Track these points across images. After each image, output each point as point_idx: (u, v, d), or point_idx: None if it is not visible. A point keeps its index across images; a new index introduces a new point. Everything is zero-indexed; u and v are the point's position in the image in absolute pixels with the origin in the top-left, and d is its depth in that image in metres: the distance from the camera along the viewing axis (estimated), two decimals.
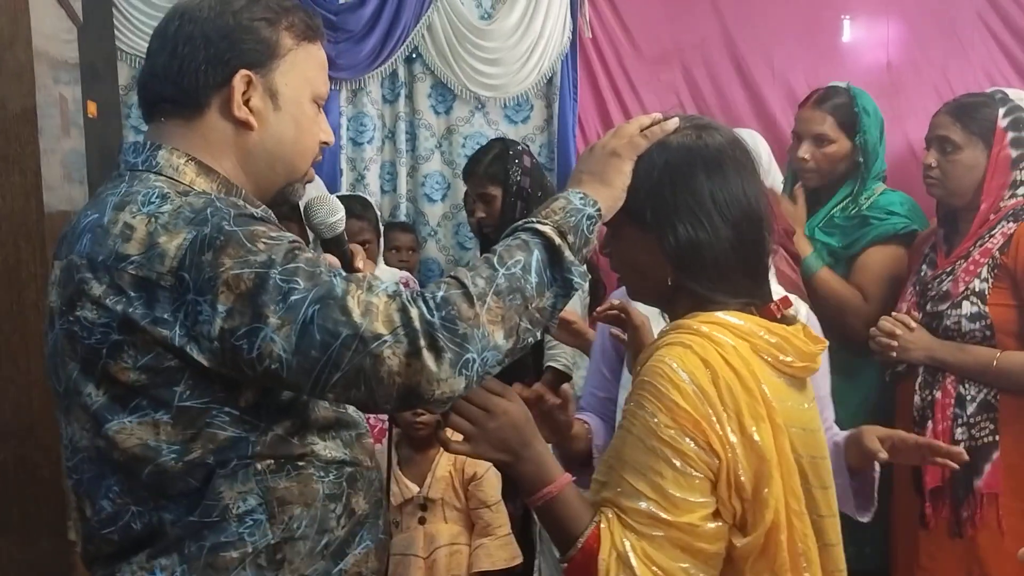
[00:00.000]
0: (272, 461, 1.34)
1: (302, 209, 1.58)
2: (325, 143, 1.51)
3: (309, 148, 1.48)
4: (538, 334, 1.31)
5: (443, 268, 4.21)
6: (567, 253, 1.31)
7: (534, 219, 1.35)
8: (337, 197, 3.56)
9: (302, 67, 1.44)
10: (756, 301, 1.43)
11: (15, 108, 1.88)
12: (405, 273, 3.47)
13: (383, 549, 1.52)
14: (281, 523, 1.35)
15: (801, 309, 1.92)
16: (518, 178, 3.06)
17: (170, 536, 1.33)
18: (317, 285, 1.23)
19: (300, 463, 1.37)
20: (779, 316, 1.43)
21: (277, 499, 1.35)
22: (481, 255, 1.33)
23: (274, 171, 1.45)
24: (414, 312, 1.22)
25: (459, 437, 1.40)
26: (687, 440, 1.29)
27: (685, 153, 1.40)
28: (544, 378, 3.00)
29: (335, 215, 1.54)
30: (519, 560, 2.78)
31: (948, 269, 2.67)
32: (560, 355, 2.98)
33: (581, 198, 1.36)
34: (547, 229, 1.32)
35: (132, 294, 1.25)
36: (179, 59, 1.38)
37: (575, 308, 2.93)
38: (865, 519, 1.91)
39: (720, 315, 1.38)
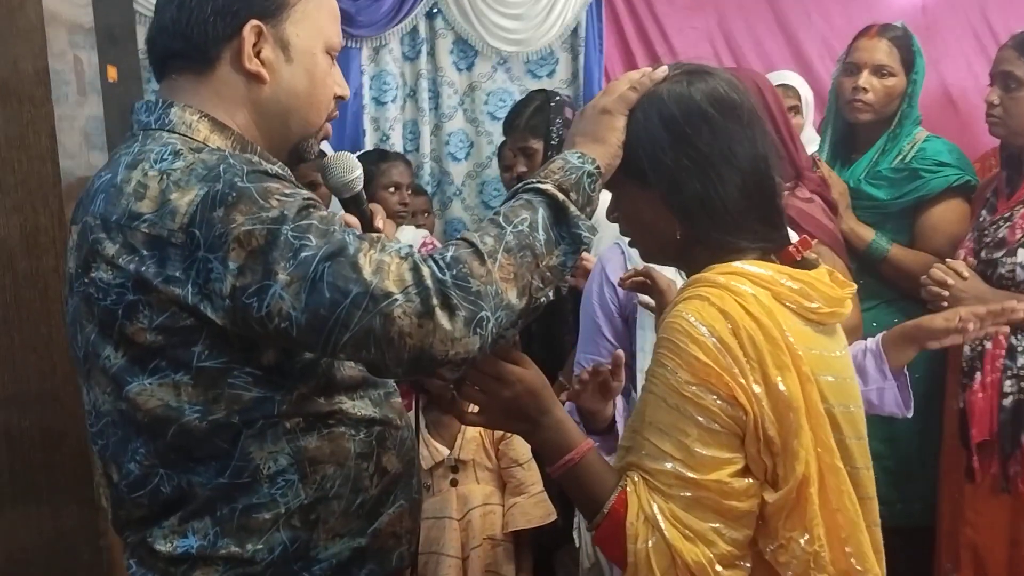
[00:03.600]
0: (301, 420, 1.32)
1: (318, 168, 1.54)
2: (340, 97, 1.47)
3: (323, 101, 1.45)
4: (550, 293, 1.27)
5: (469, 228, 4.14)
6: (572, 208, 1.27)
7: (533, 180, 1.31)
8: (375, 152, 3.60)
9: (314, 16, 1.40)
10: (774, 246, 1.38)
11: (27, 69, 1.86)
12: (426, 233, 3.43)
13: (417, 509, 1.50)
14: (313, 483, 1.34)
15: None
16: (559, 131, 2.99)
17: (200, 498, 1.31)
18: (329, 242, 1.20)
19: (330, 421, 1.36)
20: (799, 259, 1.37)
21: (308, 459, 1.33)
22: (488, 217, 1.29)
23: (287, 126, 1.42)
24: (425, 271, 1.19)
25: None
26: (710, 395, 1.25)
27: (677, 102, 1.34)
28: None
29: (352, 173, 1.50)
30: (554, 517, 2.76)
31: (1006, 215, 2.56)
32: None
33: (579, 157, 1.32)
34: (548, 187, 1.28)
35: (145, 253, 1.23)
36: (187, 12, 1.35)
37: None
38: (909, 415, 1.99)
39: (738, 264, 1.33)
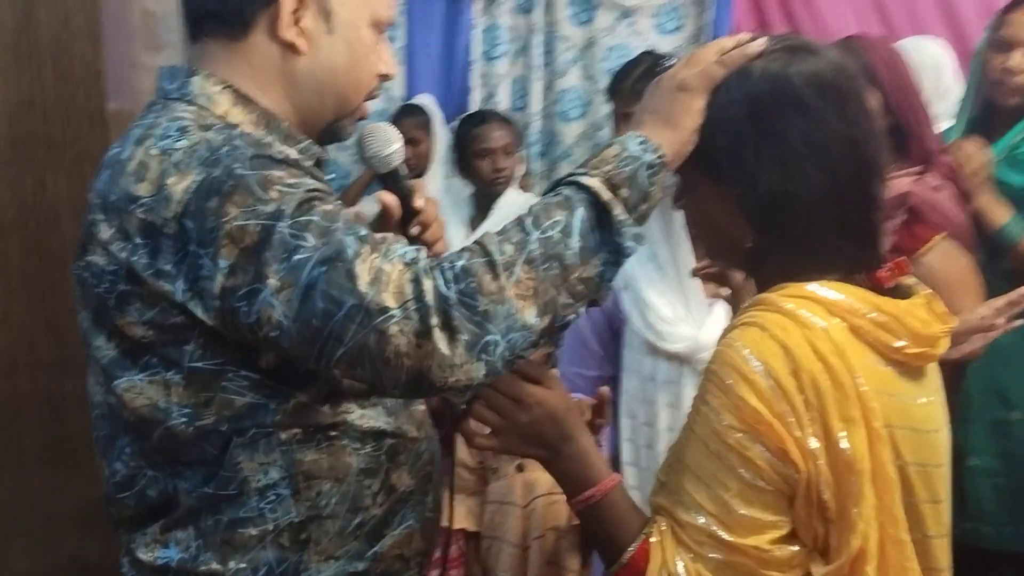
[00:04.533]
0: (299, 431, 1.20)
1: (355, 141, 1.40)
2: (385, 76, 1.32)
3: (363, 80, 1.30)
4: (582, 309, 1.10)
5: None
6: (617, 211, 1.09)
7: (580, 170, 1.13)
8: (470, 116, 3.46)
9: None
10: (861, 267, 1.17)
11: (78, 23, 1.77)
12: (532, 196, 3.28)
13: (431, 528, 1.37)
14: (307, 499, 1.22)
15: None
16: None
17: (184, 507, 1.22)
18: (328, 243, 1.06)
19: (332, 433, 1.23)
20: (891, 286, 1.16)
21: (303, 472, 1.21)
22: (517, 216, 1.12)
23: (323, 103, 1.29)
24: (427, 284, 1.03)
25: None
26: (757, 446, 1.06)
27: (771, 84, 1.13)
28: None
29: (390, 146, 1.35)
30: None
31: None
32: None
33: (640, 143, 1.13)
34: (594, 182, 1.10)
35: (138, 241, 1.13)
36: None
37: None
38: None
39: (813, 288, 1.13)
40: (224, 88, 1.23)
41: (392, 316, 1.02)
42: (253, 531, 1.20)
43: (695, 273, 1.65)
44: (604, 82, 3.87)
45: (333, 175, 3.24)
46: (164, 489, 1.22)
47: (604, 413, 1.42)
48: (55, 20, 1.77)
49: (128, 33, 1.92)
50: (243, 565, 1.20)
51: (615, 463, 2.15)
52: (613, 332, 2.02)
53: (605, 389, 1.43)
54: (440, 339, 1.02)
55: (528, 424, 1.17)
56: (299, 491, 1.21)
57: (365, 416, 1.25)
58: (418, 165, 3.61)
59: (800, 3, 3.78)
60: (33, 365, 1.83)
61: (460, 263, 1.06)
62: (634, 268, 1.99)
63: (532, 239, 1.07)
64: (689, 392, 2.04)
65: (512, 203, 3.26)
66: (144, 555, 1.23)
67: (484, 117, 3.40)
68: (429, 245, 1.39)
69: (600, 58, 3.90)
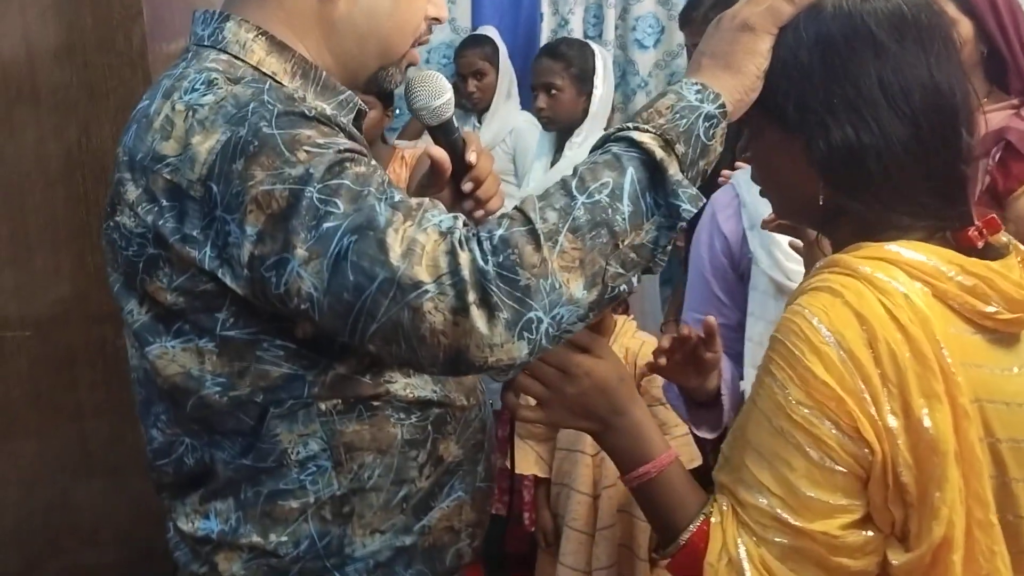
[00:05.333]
0: (339, 401, 1.14)
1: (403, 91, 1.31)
2: (436, 20, 1.23)
3: (410, 23, 1.21)
4: (635, 279, 1.01)
5: None
6: (672, 171, 0.99)
7: (631, 124, 1.02)
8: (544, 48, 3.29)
9: None
10: (947, 225, 1.05)
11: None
12: None
13: (483, 498, 1.29)
14: (349, 471, 1.16)
15: None
16: None
17: (223, 478, 1.17)
18: (358, 210, 0.98)
19: (374, 403, 1.16)
20: (980, 245, 1.04)
21: (344, 444, 1.15)
22: (561, 178, 1.02)
23: (364, 51, 1.20)
24: (464, 257, 0.95)
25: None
26: (827, 423, 0.96)
27: (845, 23, 1.01)
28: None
29: (440, 97, 1.26)
30: (698, 462, 2.50)
31: None
32: None
33: (697, 91, 1.02)
34: (646, 138, 1.00)
35: (164, 203, 1.06)
36: None
37: None
38: None
39: (892, 247, 1.01)
40: (258, 35, 1.15)
41: (426, 291, 0.94)
42: (294, 504, 1.15)
43: (764, 226, 1.53)
44: (679, 7, 3.73)
45: (398, 112, 3.13)
46: (201, 458, 1.17)
47: (713, 346, 1.33)
48: None
49: None
50: (284, 538, 1.15)
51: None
52: (739, 275, 1.91)
53: (710, 318, 1.35)
54: (478, 317, 0.94)
55: (576, 396, 1.09)
56: (341, 463, 1.15)
57: (410, 385, 1.18)
58: (482, 100, 3.48)
59: None
60: (86, 317, 1.81)
61: (499, 233, 0.97)
62: (759, 207, 1.87)
63: (577, 204, 0.97)
64: None
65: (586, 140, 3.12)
66: (185, 525, 1.20)
67: (542, 51, 3.25)
68: (483, 202, 1.31)
69: None
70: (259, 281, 1.02)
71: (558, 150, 3.20)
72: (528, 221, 0.97)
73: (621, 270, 0.99)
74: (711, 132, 1.01)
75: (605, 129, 3.23)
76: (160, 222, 1.07)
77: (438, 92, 1.26)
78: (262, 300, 1.05)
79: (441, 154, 1.27)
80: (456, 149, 1.29)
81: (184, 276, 1.08)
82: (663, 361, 1.43)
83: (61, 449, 1.91)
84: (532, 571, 2.74)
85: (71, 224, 1.77)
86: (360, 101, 1.23)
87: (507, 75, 3.51)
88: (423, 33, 1.24)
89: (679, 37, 3.72)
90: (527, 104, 3.45)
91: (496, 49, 3.50)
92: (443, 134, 1.29)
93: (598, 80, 3.12)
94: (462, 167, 1.28)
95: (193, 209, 1.04)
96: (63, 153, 1.76)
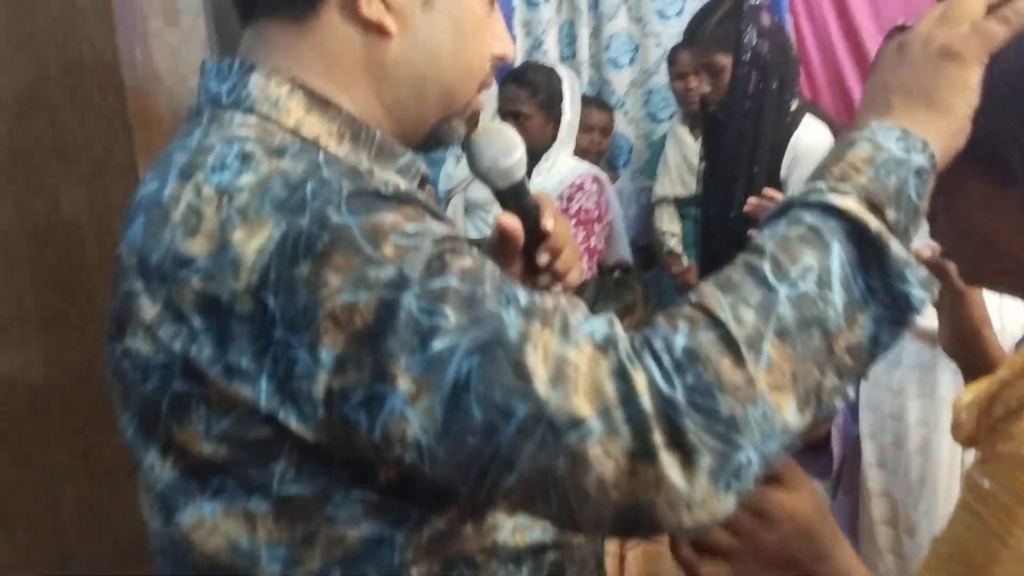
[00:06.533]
0: (435, 565, 0.88)
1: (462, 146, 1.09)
2: (501, 58, 1.00)
3: (476, 66, 0.97)
4: (850, 391, 0.78)
5: (632, 145, 3.71)
6: (894, 246, 0.76)
7: (821, 183, 0.79)
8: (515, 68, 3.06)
9: None
10: None
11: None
12: (588, 168, 2.90)
13: None
14: None
15: None
16: (754, 42, 2.42)
17: None
18: (477, 321, 0.74)
19: (477, 559, 0.91)
20: None
21: None
22: (737, 256, 0.79)
23: (423, 101, 0.96)
24: (639, 379, 0.71)
25: None
26: None
27: None
28: None
29: (511, 154, 1.03)
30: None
31: None
32: None
33: (899, 138, 0.79)
34: (850, 203, 0.77)
35: (196, 323, 0.80)
36: None
37: None
38: None
39: None
40: (294, 88, 0.90)
41: (590, 430, 0.70)
42: None
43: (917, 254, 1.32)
44: (653, 24, 3.63)
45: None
46: None
47: None
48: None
49: (140, 5, 1.58)
50: None
51: (853, 465, 1.86)
52: None
53: None
54: (669, 464, 0.70)
55: (774, 544, 0.86)
56: None
57: (519, 528, 0.93)
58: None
59: None
60: (63, 421, 1.53)
61: (680, 341, 0.72)
62: None
63: (779, 298, 0.74)
64: (946, 380, 1.74)
65: (562, 175, 2.90)
66: None
67: (507, 77, 3.01)
68: (561, 275, 1.08)
69: None
70: (341, 423, 0.77)
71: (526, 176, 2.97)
72: (717, 323, 0.73)
73: (837, 381, 0.75)
74: (921, 190, 0.79)
75: (574, 153, 3.10)
76: (192, 348, 0.80)
77: (508, 148, 1.04)
78: (343, 447, 0.79)
79: (513, 223, 1.03)
80: (529, 215, 1.06)
81: (228, 419, 0.81)
82: None
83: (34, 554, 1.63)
84: None
85: (42, 312, 1.49)
86: (423, 165, 0.99)
87: (572, 115, 3.01)
88: (487, 76, 1.01)
89: (655, 55, 3.63)
90: None
91: (543, 87, 2.96)
92: (514, 198, 1.06)
93: (566, 105, 2.95)
94: (536, 236, 1.05)
95: (240, 329, 0.78)
96: (28, 227, 1.48)
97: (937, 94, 0.81)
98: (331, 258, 0.76)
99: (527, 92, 2.88)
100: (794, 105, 2.47)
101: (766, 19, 2.47)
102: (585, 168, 2.89)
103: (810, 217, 0.78)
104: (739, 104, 2.45)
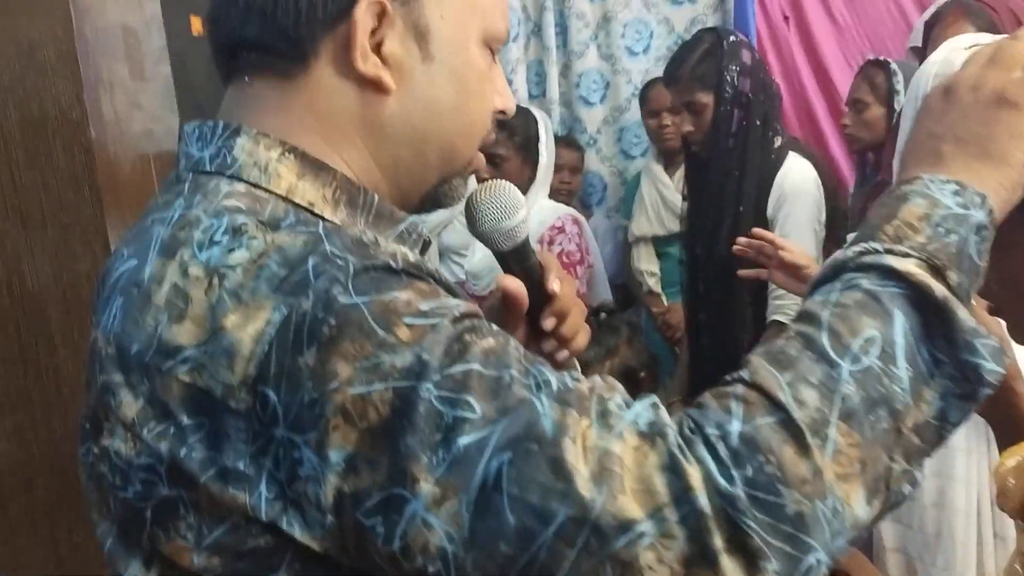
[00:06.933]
0: None
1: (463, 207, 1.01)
2: (502, 113, 0.92)
3: (478, 122, 0.90)
4: (919, 475, 0.70)
5: (605, 183, 3.70)
6: (962, 314, 0.69)
7: (875, 244, 0.72)
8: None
9: None
10: None
11: (47, 55, 1.34)
12: (566, 210, 2.83)
13: None
14: None
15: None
16: (736, 80, 2.38)
17: None
18: (507, 411, 0.66)
19: None
20: None
21: None
22: (788, 327, 0.71)
23: (423, 160, 0.88)
24: (694, 473, 0.63)
25: None
26: None
27: None
28: (767, 335, 2.39)
29: (514, 215, 0.96)
30: None
31: None
32: (788, 306, 2.34)
33: (955, 192, 0.72)
34: (911, 267, 0.69)
35: (185, 421, 0.71)
36: None
37: (809, 246, 2.29)
38: None
39: None
40: (285, 152, 0.82)
41: (641, 534, 0.62)
42: None
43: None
44: (624, 61, 3.64)
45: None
46: None
47: None
48: (16, 54, 1.33)
49: (108, 58, 1.48)
50: None
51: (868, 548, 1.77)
52: None
53: None
54: (732, 570, 0.62)
55: None
56: None
57: None
58: None
59: None
60: (29, 503, 1.41)
61: (736, 427, 0.65)
62: None
63: (843, 376, 0.66)
64: (960, 429, 1.66)
65: (541, 216, 2.81)
66: None
67: None
68: (567, 340, 1.01)
69: (618, 35, 3.64)
70: (353, 532, 0.68)
71: None
72: (777, 405, 0.65)
73: (905, 464, 0.68)
74: (982, 249, 0.73)
75: (549, 196, 3.01)
76: (181, 450, 0.71)
77: (511, 208, 0.96)
78: (355, 557, 0.70)
79: (517, 286, 0.96)
80: (533, 277, 0.99)
81: (222, 528, 0.72)
82: None
83: None
84: None
85: (5, 388, 1.38)
86: (424, 230, 0.91)
87: (548, 157, 2.91)
88: (490, 132, 0.94)
89: (625, 92, 3.64)
90: None
91: (520, 130, 2.84)
92: (517, 260, 0.99)
93: (542, 147, 2.87)
94: (541, 299, 0.98)
95: (236, 428, 0.69)
96: None
97: (992, 143, 0.75)
98: (339, 344, 0.67)
99: (505, 135, 2.79)
100: (778, 142, 2.42)
101: (747, 56, 2.43)
102: (564, 210, 2.82)
103: (867, 282, 0.70)
104: (723, 142, 2.40)
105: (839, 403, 0.65)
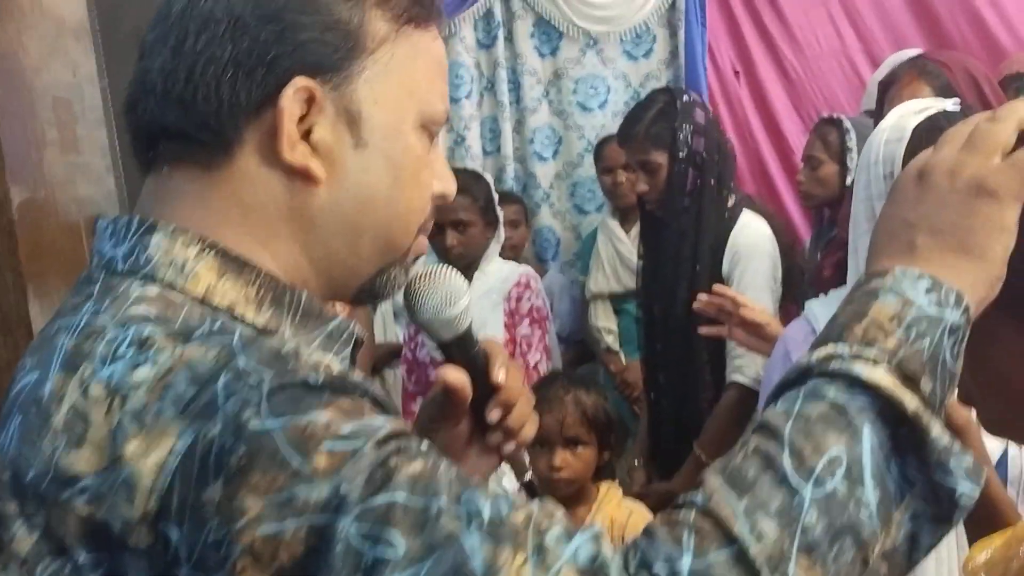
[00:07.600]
0: None
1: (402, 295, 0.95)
2: (441, 198, 0.87)
3: (416, 209, 0.85)
4: None
5: (559, 237, 3.67)
6: (936, 432, 0.64)
7: (842, 346, 0.67)
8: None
9: (405, 70, 0.80)
10: None
11: None
12: (523, 269, 2.79)
13: None
14: None
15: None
16: (689, 139, 2.37)
17: None
18: (433, 548, 0.61)
19: None
20: None
21: None
22: (749, 442, 0.66)
23: (357, 252, 0.83)
24: None
25: None
26: None
27: None
28: (726, 396, 2.36)
29: (456, 303, 0.90)
30: None
31: None
32: (747, 366, 2.31)
33: (928, 289, 0.67)
34: (880, 376, 0.64)
35: (81, 558, 0.65)
36: (189, 61, 0.76)
37: (766, 303, 2.26)
38: None
39: None
40: (203, 249, 0.75)
41: None
42: None
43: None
44: (576, 116, 3.66)
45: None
46: None
47: None
48: None
49: (31, 130, 1.42)
50: None
51: None
52: None
53: None
54: None
55: None
56: None
57: None
58: (463, 256, 2.77)
59: (773, 19, 3.49)
60: None
61: (687, 564, 0.60)
62: None
63: (804, 502, 0.61)
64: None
65: (499, 277, 2.75)
66: None
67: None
68: (514, 432, 0.95)
69: (569, 90, 3.64)
70: None
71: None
72: (730, 538, 0.60)
73: None
74: (956, 352, 0.68)
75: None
76: None
77: (452, 296, 0.90)
78: None
79: (459, 377, 0.90)
80: (478, 367, 0.92)
81: None
82: None
83: None
84: None
85: None
86: (358, 327, 0.86)
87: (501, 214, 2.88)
88: (428, 218, 0.88)
89: (578, 147, 3.65)
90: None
91: (481, 193, 2.77)
92: (460, 350, 0.93)
93: (496, 207, 2.84)
94: (486, 390, 0.92)
95: (136, 568, 0.64)
96: None
97: (970, 236, 0.69)
98: (249, 477, 0.62)
99: (468, 200, 2.73)
100: (731, 201, 2.41)
101: (700, 116, 2.43)
102: (522, 268, 2.79)
103: (833, 391, 0.65)
104: (678, 202, 2.39)
105: (800, 535, 0.60)
